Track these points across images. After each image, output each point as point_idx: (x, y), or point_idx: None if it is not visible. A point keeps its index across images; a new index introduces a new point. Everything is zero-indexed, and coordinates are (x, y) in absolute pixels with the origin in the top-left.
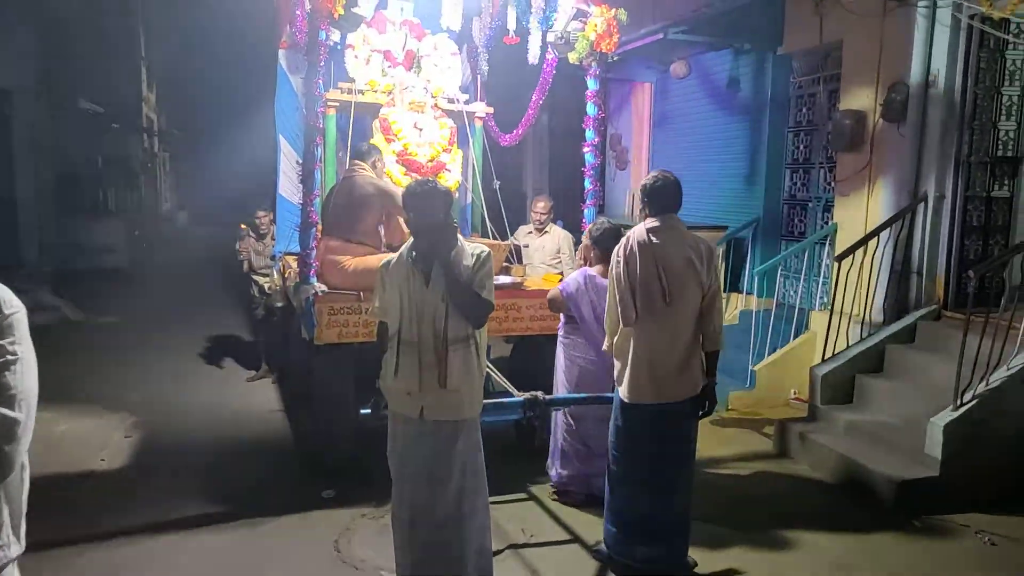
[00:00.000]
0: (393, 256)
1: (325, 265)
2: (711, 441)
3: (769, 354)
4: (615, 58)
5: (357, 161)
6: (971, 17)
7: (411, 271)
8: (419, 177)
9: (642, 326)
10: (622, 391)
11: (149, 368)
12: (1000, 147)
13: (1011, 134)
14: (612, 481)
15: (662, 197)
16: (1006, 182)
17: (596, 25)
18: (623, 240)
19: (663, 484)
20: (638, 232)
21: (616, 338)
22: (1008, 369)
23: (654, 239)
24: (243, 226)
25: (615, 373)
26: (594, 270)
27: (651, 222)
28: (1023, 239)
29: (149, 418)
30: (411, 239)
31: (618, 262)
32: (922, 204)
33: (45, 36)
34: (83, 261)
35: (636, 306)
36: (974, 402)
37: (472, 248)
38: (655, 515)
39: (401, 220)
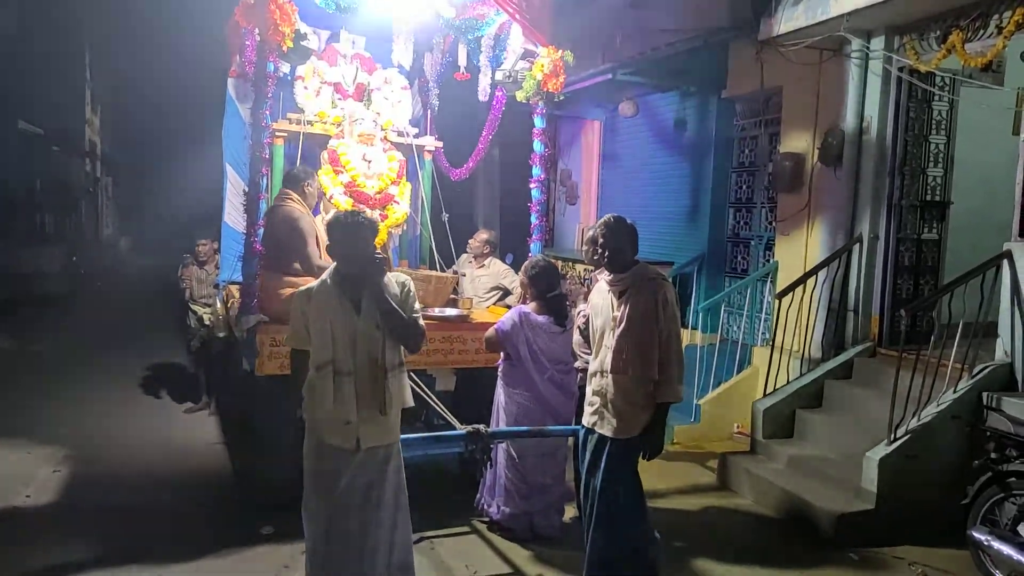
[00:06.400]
0: (313, 284)
1: (265, 295)
2: (656, 474)
3: (713, 388)
4: (562, 97)
5: (286, 189)
6: (900, 69)
7: (340, 300)
8: (364, 207)
9: None
10: (638, 427)
11: (83, 398)
12: (929, 192)
13: (938, 180)
14: (620, 526)
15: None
16: (935, 225)
17: (543, 65)
18: (670, 286)
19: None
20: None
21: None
22: (938, 405)
23: None
24: (187, 254)
25: (635, 416)
26: (529, 307)
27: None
28: (951, 280)
29: (81, 451)
30: (332, 267)
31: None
32: (857, 245)
33: None
34: (17, 288)
35: None
36: (907, 437)
37: (395, 277)
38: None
39: (313, 251)
